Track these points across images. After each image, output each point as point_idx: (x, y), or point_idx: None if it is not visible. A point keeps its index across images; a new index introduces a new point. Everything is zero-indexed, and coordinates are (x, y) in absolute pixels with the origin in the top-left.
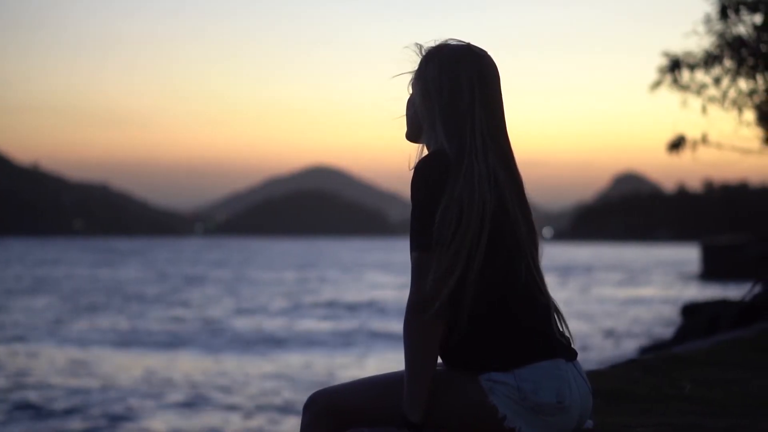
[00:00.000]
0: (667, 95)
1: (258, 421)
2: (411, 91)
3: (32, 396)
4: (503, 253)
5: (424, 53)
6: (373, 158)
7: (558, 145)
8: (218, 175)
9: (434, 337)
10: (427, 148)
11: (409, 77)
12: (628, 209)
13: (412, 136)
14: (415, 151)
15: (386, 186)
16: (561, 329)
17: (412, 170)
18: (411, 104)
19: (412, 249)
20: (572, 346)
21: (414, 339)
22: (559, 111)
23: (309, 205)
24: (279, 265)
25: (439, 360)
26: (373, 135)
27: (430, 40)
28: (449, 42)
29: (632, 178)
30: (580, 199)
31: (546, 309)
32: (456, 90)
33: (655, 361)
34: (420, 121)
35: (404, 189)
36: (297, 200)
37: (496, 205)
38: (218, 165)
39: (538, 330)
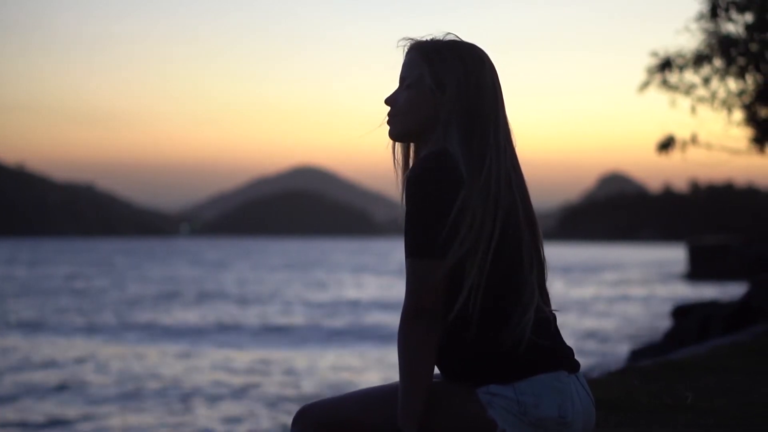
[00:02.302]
0: (654, 95)
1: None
2: (418, 87)
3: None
4: (506, 261)
5: (429, 46)
6: (359, 159)
7: (543, 145)
8: (204, 175)
9: (431, 348)
10: (424, 148)
11: (401, 72)
12: (614, 209)
13: (409, 134)
14: (395, 152)
15: (372, 186)
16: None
17: (411, 171)
18: (415, 99)
19: (410, 254)
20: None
21: (410, 349)
22: (544, 111)
23: (295, 205)
24: (266, 265)
25: (436, 371)
26: (358, 135)
27: (425, 35)
28: (452, 38)
29: (618, 178)
30: (565, 199)
31: (548, 319)
32: (481, 89)
33: (652, 367)
34: (427, 119)
35: (390, 189)
36: (283, 200)
37: (506, 211)
38: (204, 165)
39: (540, 341)
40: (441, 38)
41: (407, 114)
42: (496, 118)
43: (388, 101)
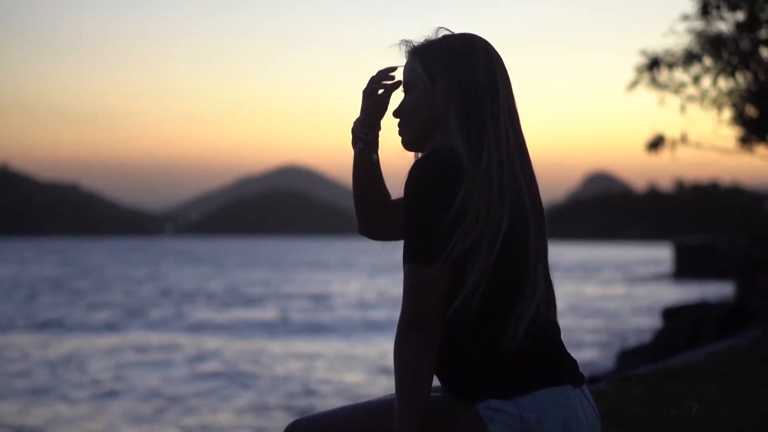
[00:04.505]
0: (640, 95)
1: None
2: (414, 88)
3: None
4: (510, 261)
5: (421, 47)
6: (345, 158)
7: (529, 144)
8: (190, 175)
9: (429, 359)
10: (426, 149)
11: (403, 80)
12: (600, 209)
13: (419, 138)
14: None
15: None
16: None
17: (408, 174)
18: (414, 102)
19: (408, 260)
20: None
21: (407, 362)
22: (530, 110)
23: (281, 204)
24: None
25: (436, 382)
26: (344, 135)
27: (420, 36)
28: (444, 33)
29: (603, 177)
30: (551, 198)
31: (553, 328)
32: (473, 73)
33: (652, 375)
34: (429, 119)
35: None
36: (269, 200)
37: (512, 200)
38: (190, 164)
39: (544, 353)
40: (434, 36)
41: (410, 118)
42: (493, 100)
43: (395, 114)
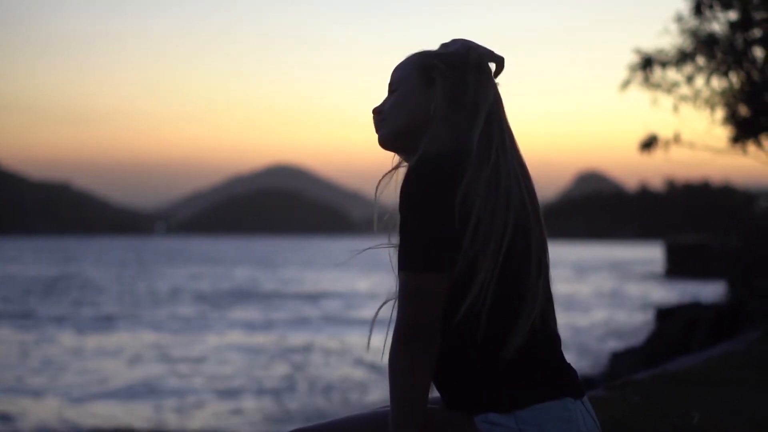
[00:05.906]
0: (632, 94)
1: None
2: (405, 86)
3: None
4: (512, 271)
5: (421, 52)
6: (336, 157)
7: (520, 143)
8: (181, 174)
9: (427, 371)
10: (416, 151)
11: (392, 79)
12: (591, 208)
13: (399, 134)
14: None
15: (348, 185)
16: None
17: (405, 175)
18: (401, 97)
19: (406, 267)
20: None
21: (403, 373)
22: (521, 109)
23: (272, 204)
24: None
25: (434, 393)
26: (335, 134)
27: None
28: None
29: (594, 176)
30: (542, 197)
31: (554, 338)
32: (475, 81)
33: (651, 381)
34: (416, 114)
35: (367, 188)
36: (260, 199)
37: (516, 204)
38: (181, 163)
39: (544, 364)
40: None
41: (393, 111)
42: (496, 111)
43: (375, 110)
